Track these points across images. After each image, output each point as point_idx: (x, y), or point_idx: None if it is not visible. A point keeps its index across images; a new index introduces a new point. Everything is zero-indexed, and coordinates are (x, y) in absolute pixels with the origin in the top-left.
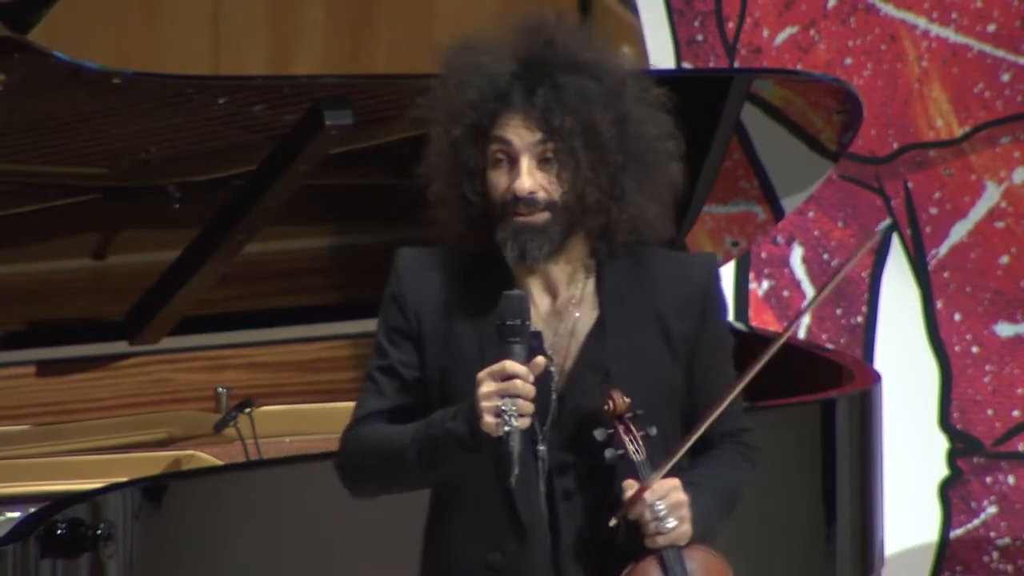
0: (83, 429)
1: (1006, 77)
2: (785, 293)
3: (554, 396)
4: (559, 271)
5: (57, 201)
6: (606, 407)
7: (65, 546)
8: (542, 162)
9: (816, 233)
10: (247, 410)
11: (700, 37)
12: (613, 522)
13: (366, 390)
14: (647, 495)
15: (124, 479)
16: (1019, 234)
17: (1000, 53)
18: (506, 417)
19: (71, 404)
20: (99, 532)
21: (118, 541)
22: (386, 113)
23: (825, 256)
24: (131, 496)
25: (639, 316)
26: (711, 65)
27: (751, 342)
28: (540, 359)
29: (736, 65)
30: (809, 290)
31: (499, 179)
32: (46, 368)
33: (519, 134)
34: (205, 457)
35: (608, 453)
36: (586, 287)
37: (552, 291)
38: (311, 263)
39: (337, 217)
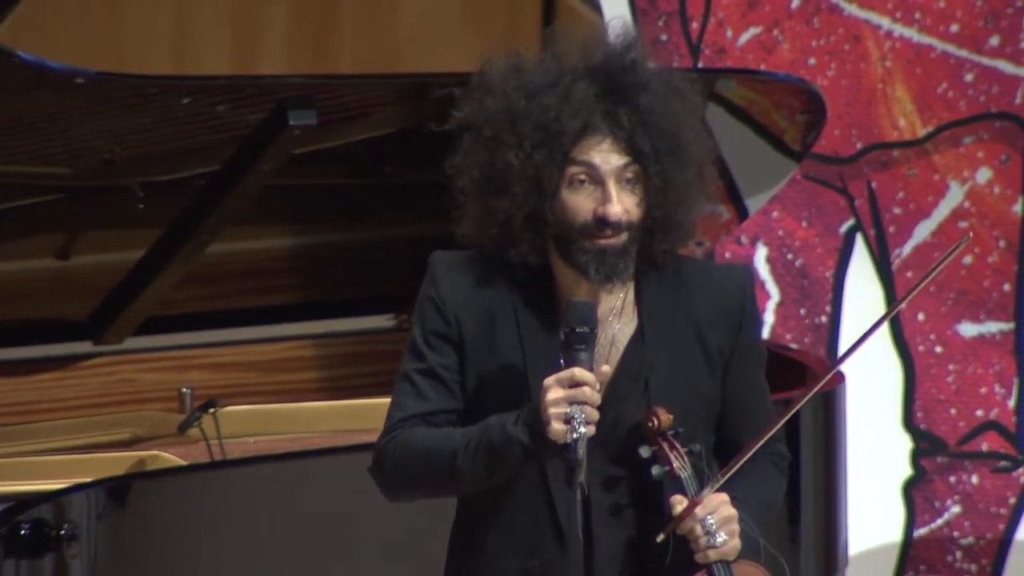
0: (47, 429)
1: (969, 77)
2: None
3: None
4: (608, 287)
5: (20, 201)
6: (650, 424)
7: (29, 546)
8: (624, 183)
9: (780, 233)
10: (211, 410)
11: (664, 37)
12: (661, 537)
13: (403, 392)
14: (698, 510)
15: (88, 479)
16: (982, 234)
17: (963, 53)
18: (575, 424)
19: (35, 404)
20: (63, 532)
21: (82, 541)
22: (350, 113)
23: (789, 256)
24: (95, 496)
25: (677, 327)
26: (675, 65)
27: None
28: (606, 368)
29: (700, 65)
30: (774, 290)
31: (580, 201)
32: (9, 368)
33: (606, 158)
34: (169, 457)
35: (655, 470)
36: (626, 297)
37: (595, 303)
38: (275, 263)
39: (301, 217)
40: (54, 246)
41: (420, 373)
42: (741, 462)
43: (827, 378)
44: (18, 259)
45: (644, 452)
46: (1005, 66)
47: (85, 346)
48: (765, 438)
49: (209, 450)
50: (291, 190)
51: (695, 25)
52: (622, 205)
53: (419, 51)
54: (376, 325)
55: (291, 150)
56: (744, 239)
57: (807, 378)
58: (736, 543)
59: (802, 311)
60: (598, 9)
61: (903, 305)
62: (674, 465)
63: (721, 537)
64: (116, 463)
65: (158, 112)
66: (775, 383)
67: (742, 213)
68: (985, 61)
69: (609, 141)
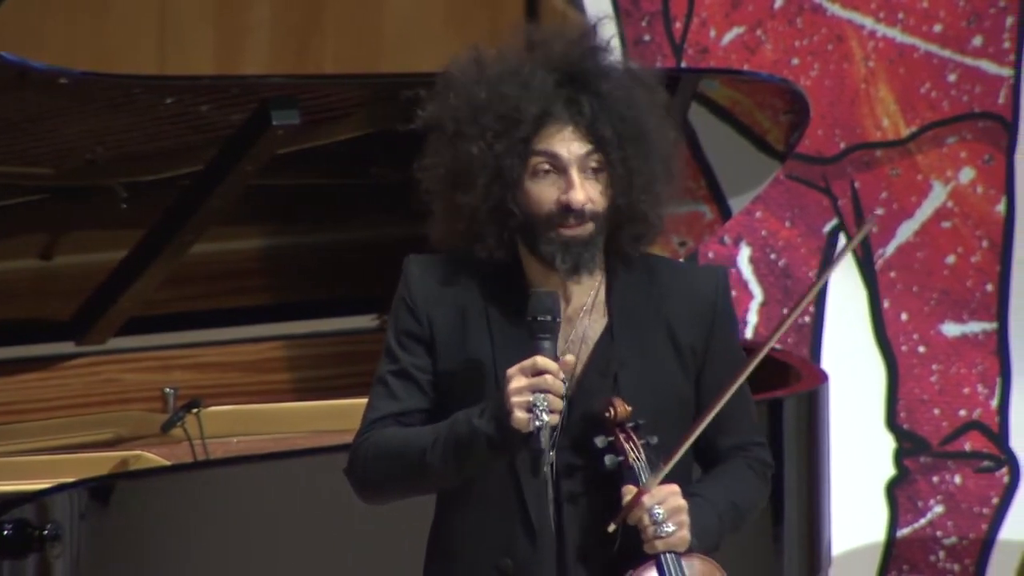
0: (30, 429)
1: (952, 77)
2: (732, 293)
3: (565, 401)
4: (575, 278)
5: (3, 201)
6: (607, 414)
7: (12, 546)
8: (587, 172)
9: (763, 233)
10: (194, 410)
11: (647, 37)
12: (612, 527)
13: (377, 395)
14: (645, 499)
15: (71, 479)
16: (965, 234)
17: (946, 53)
18: (537, 412)
19: (18, 404)
20: (46, 532)
21: (65, 541)
22: (333, 113)
23: (772, 256)
24: (78, 496)
25: (648, 324)
26: (658, 65)
27: None
28: (570, 357)
29: (683, 65)
30: (757, 290)
31: (544, 191)
32: None
33: (568, 146)
34: (152, 457)
35: (608, 460)
36: (598, 295)
37: (565, 298)
38: (258, 263)
39: (284, 217)
40: (37, 246)
41: (393, 374)
42: (682, 451)
43: (757, 358)
44: (1, 259)
45: (599, 442)
46: (988, 66)
47: (68, 346)
48: (703, 424)
49: (192, 450)
50: (274, 190)
51: (678, 25)
52: (585, 193)
53: (403, 51)
54: (359, 325)
55: (274, 150)
56: (727, 239)
57: (790, 378)
58: (684, 534)
59: (785, 311)
60: (581, 9)
61: (799, 312)
62: (629, 456)
63: (669, 527)
64: (99, 463)
65: (141, 112)
66: (758, 383)
67: (725, 213)
68: (968, 61)
69: (570, 129)
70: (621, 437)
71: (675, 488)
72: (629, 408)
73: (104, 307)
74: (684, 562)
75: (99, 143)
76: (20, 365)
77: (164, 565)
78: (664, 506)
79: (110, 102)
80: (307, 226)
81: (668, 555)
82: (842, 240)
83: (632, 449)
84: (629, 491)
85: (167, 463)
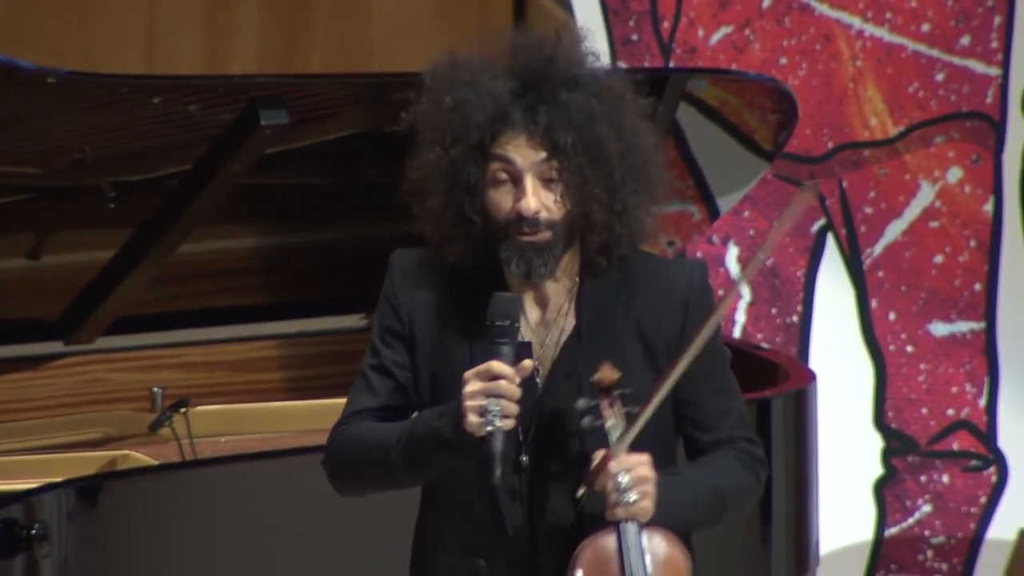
0: (18, 429)
1: (940, 77)
2: (720, 292)
3: (522, 406)
4: (552, 284)
5: None
6: (593, 378)
7: None
8: (545, 181)
9: (751, 233)
10: (182, 410)
11: (635, 37)
12: (581, 491)
13: (357, 387)
14: (611, 465)
15: (59, 479)
16: (953, 233)
17: (934, 53)
18: (489, 417)
19: (5, 404)
20: (33, 532)
21: (53, 541)
22: (321, 113)
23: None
24: (66, 496)
25: (616, 325)
26: (646, 65)
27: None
28: (528, 362)
29: (671, 65)
30: (745, 290)
31: (501, 198)
32: None
33: (522, 153)
34: (140, 457)
35: (586, 421)
36: (573, 299)
37: (543, 303)
38: (245, 263)
39: (271, 217)
40: (25, 246)
41: (373, 369)
42: (646, 416)
43: (725, 302)
44: None
45: (582, 403)
46: (976, 65)
47: (56, 346)
48: (669, 382)
49: (180, 450)
50: (263, 190)
51: (666, 25)
52: (538, 201)
53: (391, 51)
54: (347, 325)
55: (262, 149)
56: (715, 239)
57: (778, 377)
58: (646, 504)
59: (773, 310)
60: (569, 9)
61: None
62: (607, 423)
63: (632, 496)
64: (87, 463)
65: (129, 112)
66: (746, 383)
67: (713, 213)
68: (956, 61)
69: (525, 136)
70: (605, 403)
71: (644, 458)
72: (616, 376)
73: (92, 306)
74: (645, 533)
75: (87, 143)
76: (8, 364)
77: (152, 565)
78: (631, 474)
79: (98, 102)
80: (295, 225)
81: (629, 523)
82: (830, 240)
83: (612, 416)
84: (599, 455)
85: (155, 463)
